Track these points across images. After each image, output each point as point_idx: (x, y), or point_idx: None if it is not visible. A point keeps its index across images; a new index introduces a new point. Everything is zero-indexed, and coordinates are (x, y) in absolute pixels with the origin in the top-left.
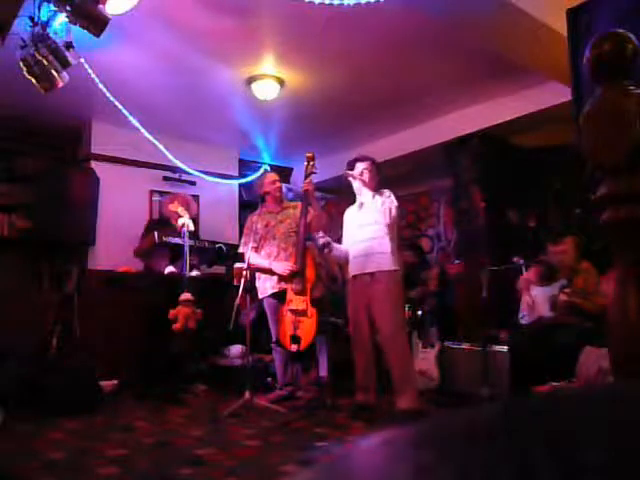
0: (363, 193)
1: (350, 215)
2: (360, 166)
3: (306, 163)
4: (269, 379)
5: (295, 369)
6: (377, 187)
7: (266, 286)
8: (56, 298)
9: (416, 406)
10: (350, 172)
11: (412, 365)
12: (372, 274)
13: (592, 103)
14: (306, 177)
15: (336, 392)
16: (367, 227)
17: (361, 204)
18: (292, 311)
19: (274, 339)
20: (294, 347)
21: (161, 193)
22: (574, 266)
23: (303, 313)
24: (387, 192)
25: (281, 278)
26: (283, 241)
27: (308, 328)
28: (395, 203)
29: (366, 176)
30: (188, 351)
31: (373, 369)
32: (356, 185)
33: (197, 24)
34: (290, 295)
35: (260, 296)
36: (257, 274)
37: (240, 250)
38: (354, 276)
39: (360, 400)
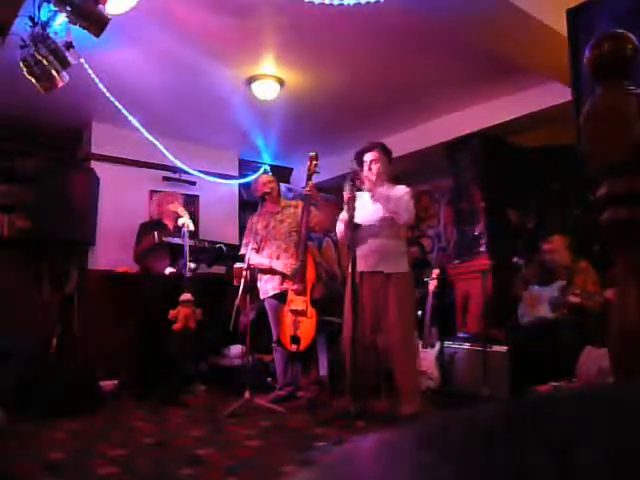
0: (377, 186)
1: (362, 206)
2: (367, 157)
3: (309, 163)
4: (269, 379)
5: (295, 369)
6: (390, 176)
7: (267, 287)
8: (56, 298)
9: (419, 410)
10: (357, 173)
11: (418, 371)
12: (388, 274)
13: (592, 103)
14: (309, 177)
15: (335, 392)
16: (381, 224)
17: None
18: (292, 311)
19: (275, 339)
20: (294, 347)
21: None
22: (569, 265)
23: (303, 313)
24: (402, 187)
25: (283, 277)
26: (284, 242)
27: (308, 328)
28: (411, 200)
29: (375, 168)
30: (188, 351)
31: (371, 374)
32: (367, 183)
33: (197, 24)
34: (291, 295)
35: (262, 297)
36: (258, 275)
37: (241, 252)
38: (364, 273)
39: (345, 406)
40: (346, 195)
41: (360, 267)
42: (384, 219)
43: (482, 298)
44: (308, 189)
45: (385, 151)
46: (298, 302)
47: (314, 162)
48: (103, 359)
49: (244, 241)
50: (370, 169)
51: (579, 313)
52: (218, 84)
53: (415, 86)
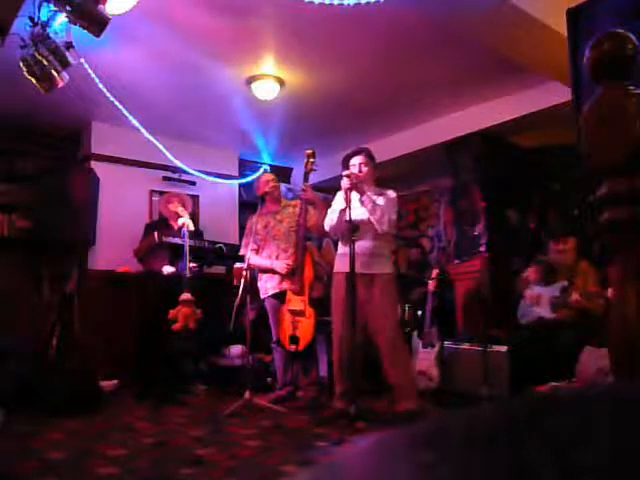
0: (364, 189)
1: (352, 206)
2: (356, 161)
3: (306, 160)
4: (269, 379)
5: (295, 369)
6: (375, 180)
7: (267, 287)
8: (56, 298)
9: (416, 407)
10: (346, 172)
11: (411, 366)
12: (373, 275)
13: (592, 103)
14: (306, 174)
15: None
16: (369, 226)
17: (361, 201)
18: (290, 311)
19: (274, 339)
20: (293, 347)
21: (161, 193)
22: (572, 266)
23: (301, 313)
24: (390, 194)
25: (282, 277)
26: (283, 242)
27: (306, 328)
28: (395, 208)
29: (364, 170)
30: (188, 351)
31: (361, 373)
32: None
33: (197, 24)
34: (289, 295)
35: (262, 296)
36: (259, 275)
37: (241, 252)
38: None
39: (339, 407)
40: (344, 185)
41: (347, 267)
42: (372, 221)
43: (482, 298)
44: (304, 189)
45: (371, 156)
46: (296, 302)
47: (311, 159)
48: (103, 359)
49: (244, 241)
50: (359, 171)
51: (583, 314)
52: (218, 84)
53: (415, 86)
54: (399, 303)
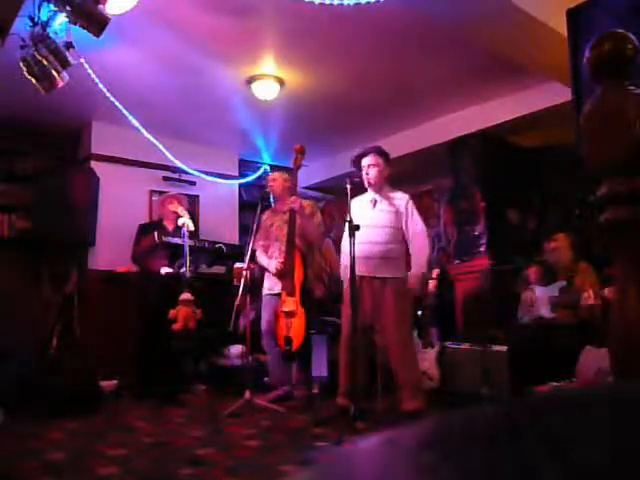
0: (375, 191)
1: (362, 210)
2: (366, 162)
3: (295, 156)
4: (266, 379)
5: (293, 369)
6: (387, 180)
7: (272, 284)
8: (56, 298)
9: (422, 407)
10: (353, 179)
11: (418, 368)
12: (385, 279)
13: (592, 103)
14: (295, 170)
15: (335, 392)
16: (382, 229)
17: (374, 202)
18: (284, 313)
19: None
20: (287, 348)
21: (161, 193)
22: (571, 265)
23: (293, 314)
24: (403, 196)
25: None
26: (284, 243)
27: (298, 329)
28: (412, 205)
29: (372, 173)
30: (188, 351)
31: (365, 374)
32: (365, 184)
33: (197, 24)
34: (283, 296)
35: (264, 292)
36: (266, 273)
37: (251, 247)
38: (363, 277)
39: (342, 404)
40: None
41: (360, 271)
42: (385, 224)
43: (482, 298)
44: (292, 202)
45: (383, 154)
46: (289, 303)
47: (299, 155)
48: (103, 359)
49: (253, 237)
50: (368, 173)
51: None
52: (218, 84)
53: (415, 86)
54: (411, 307)
